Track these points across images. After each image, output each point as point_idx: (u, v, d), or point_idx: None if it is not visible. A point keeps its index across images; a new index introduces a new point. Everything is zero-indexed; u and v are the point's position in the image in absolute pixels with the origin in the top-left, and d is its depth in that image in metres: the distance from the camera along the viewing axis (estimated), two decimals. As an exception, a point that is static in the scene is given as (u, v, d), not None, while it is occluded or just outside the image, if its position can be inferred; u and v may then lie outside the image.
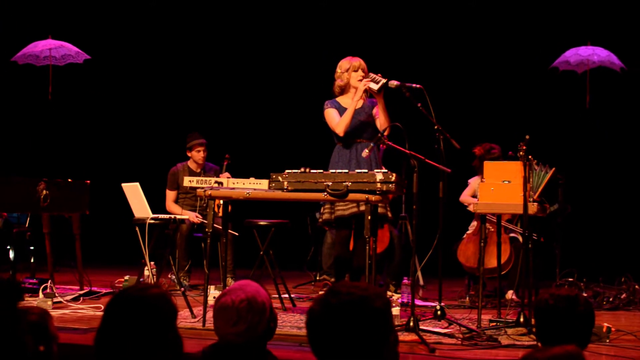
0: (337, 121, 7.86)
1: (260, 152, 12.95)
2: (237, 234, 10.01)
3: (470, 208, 9.51)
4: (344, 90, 8.09)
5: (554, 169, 7.52)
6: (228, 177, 7.38)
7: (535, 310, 4.15)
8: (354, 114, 7.87)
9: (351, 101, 7.88)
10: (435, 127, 7.24)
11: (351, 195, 6.80)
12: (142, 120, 14.06)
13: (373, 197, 6.72)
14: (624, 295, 9.31)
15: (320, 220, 8.08)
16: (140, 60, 14.10)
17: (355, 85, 7.95)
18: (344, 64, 8.07)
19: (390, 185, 6.68)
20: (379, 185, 6.68)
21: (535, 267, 7.60)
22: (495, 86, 13.18)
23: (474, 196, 9.66)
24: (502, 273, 9.09)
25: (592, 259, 11.62)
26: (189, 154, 10.38)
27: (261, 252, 8.53)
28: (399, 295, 8.84)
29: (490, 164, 7.62)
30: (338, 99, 8.09)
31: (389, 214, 7.96)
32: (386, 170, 6.84)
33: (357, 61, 8.02)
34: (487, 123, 12.50)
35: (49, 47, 11.72)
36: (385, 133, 7.43)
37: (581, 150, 12.88)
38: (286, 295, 8.57)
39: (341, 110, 7.94)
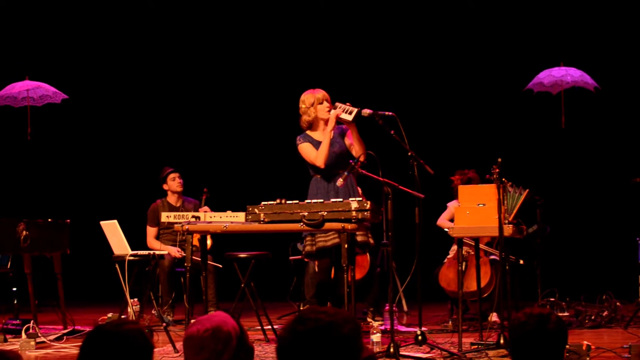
0: (315, 154, 7.83)
1: (238, 185, 12.97)
2: (220, 266, 10.03)
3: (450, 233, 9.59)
4: (312, 124, 8.04)
5: (527, 190, 7.58)
6: (207, 211, 7.42)
7: (509, 329, 4.20)
8: (334, 122, 7.84)
9: (324, 132, 7.87)
10: (409, 153, 7.28)
11: (327, 225, 6.85)
12: (120, 157, 14.09)
13: (349, 226, 6.77)
14: (605, 313, 9.35)
15: (303, 252, 8.09)
16: (116, 98, 14.14)
17: (323, 117, 7.92)
18: (307, 98, 8.01)
19: (365, 213, 6.73)
20: (354, 213, 6.73)
21: (514, 288, 7.65)
22: (471, 110, 13.27)
23: (452, 220, 9.70)
24: (484, 296, 9.13)
25: (573, 278, 11.68)
26: (165, 188, 10.44)
27: (242, 285, 8.54)
28: (381, 322, 8.87)
29: (465, 188, 7.70)
30: (308, 133, 8.03)
31: (371, 241, 7.99)
32: (361, 199, 6.89)
33: (320, 93, 7.99)
34: (465, 147, 12.57)
35: (26, 88, 11.73)
36: (361, 159, 7.49)
37: (559, 170, 12.95)
38: (269, 327, 8.58)
39: (314, 143, 7.91)
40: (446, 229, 9.71)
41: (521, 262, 9.20)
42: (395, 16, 13.57)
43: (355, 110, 7.64)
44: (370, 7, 13.60)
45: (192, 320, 8.44)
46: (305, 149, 7.93)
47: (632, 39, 12.92)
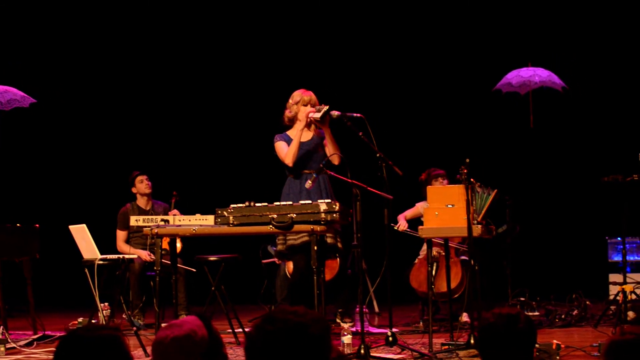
0: (285, 152, 7.96)
1: (208, 188, 12.94)
2: (194, 270, 10.00)
3: (396, 227, 9.66)
4: (292, 121, 8.18)
5: (495, 190, 7.61)
6: (176, 214, 7.40)
7: (478, 329, 4.20)
8: (303, 146, 7.98)
9: (296, 132, 7.99)
10: (377, 154, 7.31)
11: (296, 227, 6.86)
12: (89, 162, 14.01)
13: (318, 228, 6.78)
14: (575, 312, 9.41)
15: (275, 253, 8.16)
16: (85, 102, 14.07)
17: (301, 119, 8.07)
18: (296, 95, 8.19)
19: (334, 215, 6.74)
20: (323, 215, 6.74)
21: (484, 288, 7.67)
22: (440, 110, 13.30)
23: (415, 218, 9.74)
24: (455, 296, 9.16)
25: (543, 277, 11.73)
26: (134, 191, 10.42)
27: (212, 288, 8.53)
28: (351, 324, 8.88)
29: (433, 189, 7.73)
30: (288, 132, 8.22)
31: (339, 244, 8.05)
32: (330, 200, 6.90)
33: (308, 95, 8.12)
34: (434, 148, 12.59)
35: (-6, 93, 11.66)
36: (336, 163, 7.56)
37: (528, 170, 13.00)
38: (240, 330, 8.57)
39: (290, 142, 8.04)
40: (394, 225, 9.74)
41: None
42: (365, 18, 13.58)
43: (325, 108, 7.71)
44: (338, 9, 13.60)
45: (163, 325, 8.42)
46: (279, 147, 8.14)
47: (599, 39, 12.99)
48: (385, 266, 7.37)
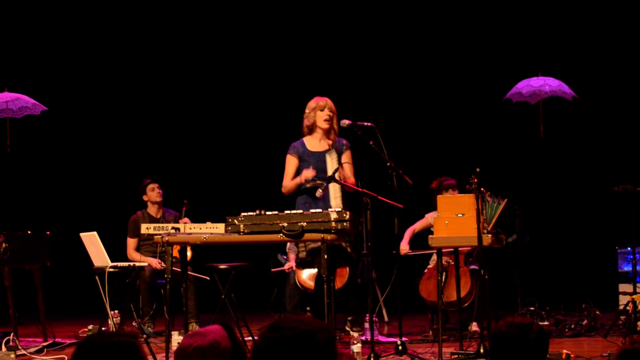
0: (288, 178, 8.20)
1: (219, 196, 12.96)
2: (207, 278, 9.99)
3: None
4: (311, 129, 8.24)
5: (505, 200, 7.62)
6: (187, 222, 7.42)
7: (490, 338, 4.20)
8: (318, 156, 8.01)
9: (320, 142, 8.04)
10: (388, 164, 7.32)
11: (307, 235, 6.85)
12: (100, 169, 14.04)
13: (329, 236, 6.78)
14: (585, 322, 9.39)
15: (297, 260, 8.23)
16: (96, 109, 14.11)
17: (320, 125, 8.14)
18: (311, 103, 8.28)
19: (345, 224, 6.74)
20: (333, 224, 6.73)
21: (493, 297, 7.67)
22: (451, 120, 13.31)
23: (425, 229, 9.74)
24: (464, 305, 9.15)
25: (553, 286, 11.71)
26: (144, 199, 10.44)
27: (222, 296, 8.54)
28: (361, 332, 8.88)
29: (444, 198, 7.73)
30: (305, 140, 8.29)
31: (351, 253, 8.09)
32: (341, 209, 6.91)
33: (324, 101, 8.20)
34: (445, 157, 12.60)
35: (5, 100, 11.69)
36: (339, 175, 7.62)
37: (538, 179, 13.00)
38: (250, 338, 8.58)
39: (305, 154, 8.06)
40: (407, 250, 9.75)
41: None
42: (378, 26, 13.60)
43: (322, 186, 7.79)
44: (348, 17, 13.62)
45: (189, 332, 8.42)
46: (287, 164, 8.28)
47: (608, 48, 13.00)
48: (395, 275, 7.38)
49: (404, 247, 9.75)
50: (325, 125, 8.18)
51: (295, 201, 8.24)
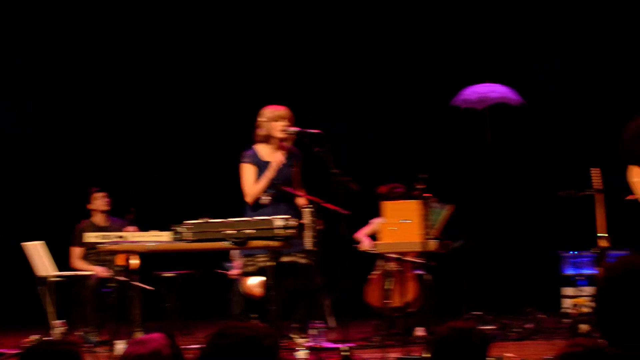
0: (250, 186, 7.79)
1: (166, 204, 12.88)
2: (152, 288, 9.94)
3: (359, 247, 9.69)
4: (266, 138, 7.94)
5: (452, 205, 7.67)
6: (134, 231, 7.39)
7: (431, 343, 4.22)
8: (278, 167, 7.81)
9: (273, 153, 7.85)
10: (334, 170, 7.34)
11: (253, 243, 6.85)
12: (43, 178, 13.90)
13: (274, 244, 6.78)
14: (529, 326, 9.48)
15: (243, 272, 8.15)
16: (40, 116, 13.97)
17: (276, 136, 7.87)
18: (267, 112, 7.91)
19: (291, 231, 6.74)
20: (279, 231, 6.73)
21: (441, 302, 7.72)
22: (398, 125, 13.34)
23: (371, 235, 9.76)
24: (410, 311, 9.19)
25: (498, 291, 11.77)
26: (91, 207, 10.38)
27: (168, 304, 8.51)
28: (306, 339, 8.87)
29: (389, 204, 7.75)
30: (257, 148, 7.94)
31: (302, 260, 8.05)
32: (288, 216, 6.91)
33: (283, 110, 7.89)
34: (391, 163, 12.64)
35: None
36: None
37: (484, 185, 13.06)
38: (197, 346, 8.54)
39: (260, 164, 7.89)
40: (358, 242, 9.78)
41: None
42: (321, 30, 13.60)
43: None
44: (288, 20, 13.62)
45: (130, 340, 8.36)
46: (245, 173, 7.87)
47: (555, 55, 13.11)
48: (341, 281, 7.39)
49: (368, 241, 9.75)
50: (282, 135, 7.94)
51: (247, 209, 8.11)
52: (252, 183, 7.81)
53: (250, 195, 7.80)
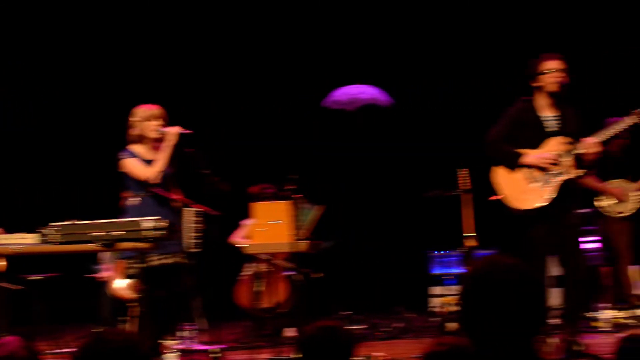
0: (144, 169, 7.52)
1: (35, 206, 12.64)
2: (21, 287, 9.73)
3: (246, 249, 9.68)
4: (139, 139, 7.74)
5: (322, 206, 7.72)
6: (2, 233, 7.23)
7: (298, 342, 4.24)
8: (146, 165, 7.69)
9: (153, 150, 7.69)
10: (204, 171, 7.31)
11: (122, 244, 6.76)
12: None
13: (144, 245, 6.72)
14: (398, 325, 9.60)
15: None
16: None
17: (151, 135, 7.73)
18: (140, 111, 7.70)
19: (160, 233, 6.68)
20: (148, 233, 6.67)
21: (311, 302, 7.76)
22: (268, 126, 13.34)
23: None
24: (281, 311, 9.21)
25: (368, 291, 11.88)
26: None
27: (35, 307, 8.36)
28: (177, 341, 8.82)
29: (259, 205, 7.77)
30: (133, 149, 7.71)
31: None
32: (158, 217, 6.84)
33: (157, 109, 7.70)
34: (262, 163, 12.63)
35: None
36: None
37: (354, 185, 13.17)
38: (66, 350, 8.42)
39: (140, 160, 7.72)
40: (239, 246, 9.77)
41: (316, 275, 9.31)
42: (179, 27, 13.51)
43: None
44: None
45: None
46: (133, 164, 7.60)
47: (424, 57, 13.29)
48: (213, 282, 7.37)
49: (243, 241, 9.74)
50: (156, 135, 7.80)
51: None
52: (144, 167, 7.57)
53: (154, 175, 7.52)
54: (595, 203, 9.92)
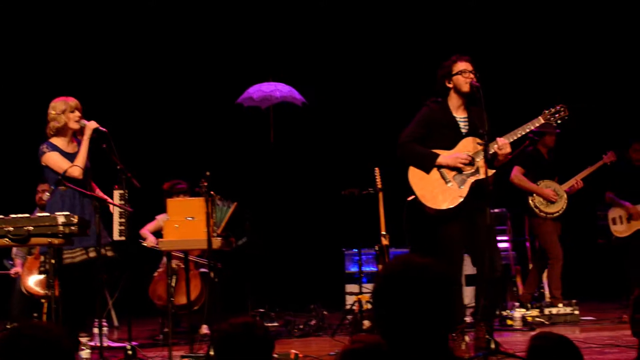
0: (67, 164, 7.46)
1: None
2: None
3: (145, 243, 9.63)
4: (60, 131, 7.70)
5: (235, 203, 7.70)
6: None
7: (214, 340, 4.23)
8: (71, 157, 7.60)
9: (83, 142, 7.59)
10: (118, 167, 7.29)
11: (34, 240, 6.69)
12: None
13: (56, 241, 6.64)
14: (313, 322, 9.62)
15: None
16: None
17: (72, 127, 7.66)
18: (58, 104, 7.68)
19: (72, 228, 6.62)
20: (61, 228, 6.60)
21: (224, 300, 7.74)
22: (182, 123, 13.27)
23: (157, 231, 9.69)
24: (195, 308, 9.17)
25: (283, 288, 11.89)
26: None
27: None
28: (89, 338, 8.73)
29: (173, 201, 7.73)
30: (54, 141, 7.67)
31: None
32: (68, 213, 6.77)
33: (74, 101, 7.70)
34: (177, 160, 12.57)
35: None
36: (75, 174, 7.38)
37: (268, 183, 13.17)
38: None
39: (62, 153, 7.64)
40: (142, 241, 9.72)
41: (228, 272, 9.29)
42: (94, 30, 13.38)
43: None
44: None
45: None
46: (55, 158, 7.55)
47: (338, 57, 13.35)
48: (124, 278, 7.32)
49: (152, 238, 9.66)
50: (78, 126, 7.74)
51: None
52: (67, 162, 7.52)
53: (76, 170, 7.46)
54: (529, 202, 10.10)
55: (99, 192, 7.62)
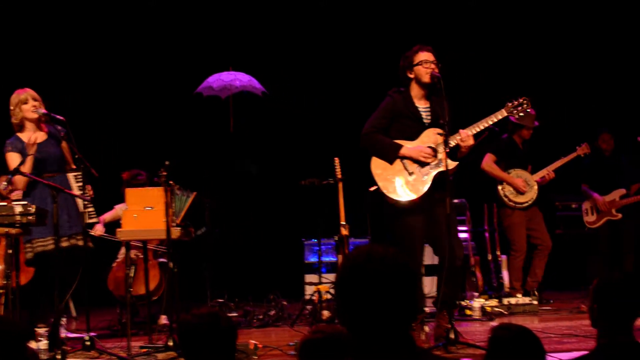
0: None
1: None
2: None
3: (92, 232, 9.57)
4: (22, 127, 7.76)
5: (195, 193, 7.68)
6: None
7: (177, 330, 4.21)
8: (39, 148, 7.56)
9: (28, 151, 7.57)
10: (76, 156, 7.26)
11: (-9, 229, 6.65)
12: None
13: (13, 230, 6.60)
14: (273, 312, 9.62)
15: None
16: None
17: (29, 117, 7.67)
18: (12, 99, 7.75)
19: (30, 217, 6.58)
20: (18, 217, 6.56)
21: (183, 290, 7.71)
22: (141, 112, 13.19)
23: (115, 221, 9.63)
24: (154, 298, 9.13)
25: (242, 278, 11.88)
26: None
27: None
28: (47, 329, 8.65)
29: (132, 191, 7.69)
30: (20, 135, 7.73)
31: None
32: (26, 202, 6.73)
33: (25, 93, 7.72)
34: (135, 149, 12.51)
35: None
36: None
37: (227, 172, 13.13)
38: None
39: (24, 149, 7.56)
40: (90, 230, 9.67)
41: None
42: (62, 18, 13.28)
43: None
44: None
45: None
46: (10, 160, 7.62)
47: (298, 46, 13.32)
48: (83, 268, 7.27)
49: (100, 228, 9.60)
50: (35, 116, 7.72)
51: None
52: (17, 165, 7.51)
53: (19, 185, 7.57)
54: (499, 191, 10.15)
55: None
